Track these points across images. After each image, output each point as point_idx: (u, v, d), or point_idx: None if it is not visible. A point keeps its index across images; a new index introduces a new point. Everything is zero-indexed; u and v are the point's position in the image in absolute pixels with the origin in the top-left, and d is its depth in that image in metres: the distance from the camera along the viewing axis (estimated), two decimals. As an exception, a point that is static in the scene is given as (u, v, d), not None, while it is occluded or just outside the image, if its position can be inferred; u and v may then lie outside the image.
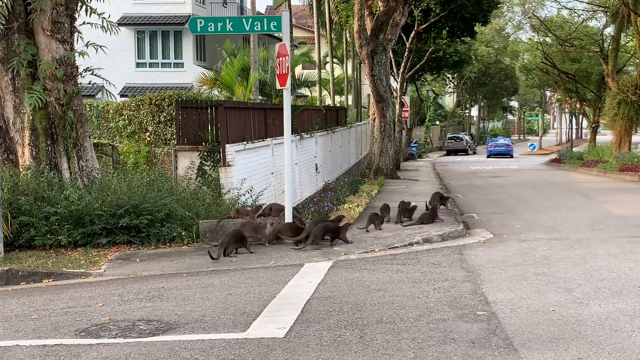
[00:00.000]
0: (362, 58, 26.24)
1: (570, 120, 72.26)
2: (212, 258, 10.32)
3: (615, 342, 6.23)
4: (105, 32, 13.10)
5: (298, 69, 31.29)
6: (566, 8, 47.97)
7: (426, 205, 14.89)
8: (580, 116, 72.57)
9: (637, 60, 39.25)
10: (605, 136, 58.05)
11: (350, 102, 39.07)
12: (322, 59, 33.49)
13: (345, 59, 38.74)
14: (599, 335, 6.42)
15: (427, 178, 28.92)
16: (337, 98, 40.35)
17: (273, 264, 10.08)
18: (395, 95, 36.45)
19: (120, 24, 34.28)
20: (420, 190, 21.89)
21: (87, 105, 14.58)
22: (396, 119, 34.31)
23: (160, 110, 15.84)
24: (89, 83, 13.94)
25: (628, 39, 44.27)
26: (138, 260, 10.51)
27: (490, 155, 54.47)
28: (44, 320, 7.32)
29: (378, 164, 26.81)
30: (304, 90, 35.16)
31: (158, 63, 37.75)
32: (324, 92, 38.05)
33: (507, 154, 54.33)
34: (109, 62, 28.23)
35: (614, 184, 25.94)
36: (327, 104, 32.84)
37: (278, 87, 12.37)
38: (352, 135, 29.13)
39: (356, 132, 30.59)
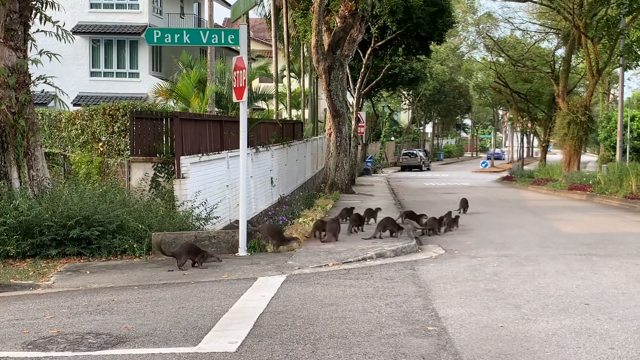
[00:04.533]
0: (319, 73, 26.38)
1: (522, 139, 73.70)
2: (162, 253, 10.72)
3: (562, 358, 6.36)
4: (60, 40, 12.94)
5: (255, 82, 31.32)
6: (519, 29, 48.96)
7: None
8: (532, 135, 74.24)
9: (587, 82, 40.30)
10: (556, 155, 59.33)
11: (307, 117, 39.20)
12: (279, 72, 33.56)
13: (302, 73, 38.89)
14: (546, 351, 6.55)
15: (382, 193, 29.14)
16: (294, 112, 40.42)
17: (226, 278, 10.03)
18: (351, 110, 36.70)
19: (75, 32, 33.89)
20: (374, 205, 22.00)
21: (39, 114, 14.36)
22: (352, 134, 34.52)
23: (114, 120, 15.69)
24: (42, 91, 13.72)
25: (578, 61, 45.49)
26: (88, 272, 10.36)
27: (489, 158, 75.06)
28: (-10, 333, 7.15)
29: (333, 178, 26.92)
30: (261, 104, 35.17)
31: (113, 72, 37.33)
32: (281, 106, 38.12)
33: (499, 158, 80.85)
34: (63, 70, 27.84)
35: (563, 202, 26.53)
36: (283, 117, 32.89)
37: (235, 100, 12.37)
38: (309, 149, 29.21)
39: (312, 147, 30.69)
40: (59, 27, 12.92)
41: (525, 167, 50.86)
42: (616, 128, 35.19)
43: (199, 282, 9.75)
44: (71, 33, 13.60)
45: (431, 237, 15.11)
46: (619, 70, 36.69)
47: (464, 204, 20.46)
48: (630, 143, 37.15)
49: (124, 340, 6.78)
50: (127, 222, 11.63)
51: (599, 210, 22.91)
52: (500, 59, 49.17)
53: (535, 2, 39.77)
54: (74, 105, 31.04)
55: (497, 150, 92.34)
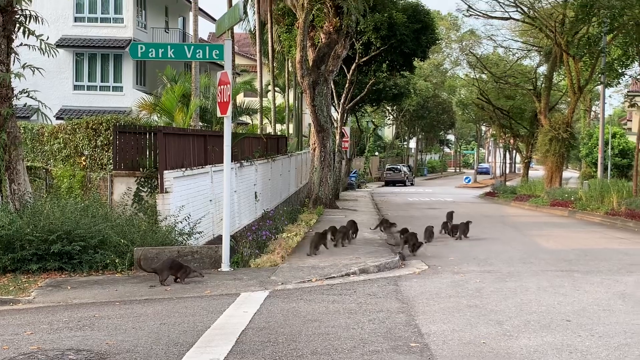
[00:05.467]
0: (304, 88, 26.45)
1: (504, 155, 74.20)
2: (142, 269, 10.69)
3: (543, 374, 6.38)
4: (43, 54, 12.88)
5: (240, 97, 31.31)
6: (502, 47, 49.54)
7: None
8: (514, 151, 74.72)
9: (569, 99, 40.68)
10: (538, 171, 59.73)
11: (291, 131, 39.23)
12: (264, 87, 33.60)
13: (287, 88, 38.96)
14: (528, 367, 6.57)
15: (366, 208, 29.16)
16: (278, 126, 40.45)
17: (209, 293, 9.98)
18: (335, 125, 36.79)
19: (59, 45, 33.76)
20: (358, 220, 21.95)
21: (21, 128, 14.26)
22: (336, 149, 34.59)
23: (97, 134, 15.62)
24: (24, 105, 13.64)
25: (560, 78, 45.95)
26: (69, 287, 10.27)
27: (479, 173, 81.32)
28: (-32, 349, 7.06)
29: (317, 193, 26.92)
30: (245, 118, 35.15)
31: (96, 86, 37.19)
32: (265, 121, 38.13)
33: (487, 172, 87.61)
34: (46, 83, 27.72)
35: (545, 218, 26.67)
36: (268, 132, 32.89)
37: (219, 114, 12.37)
38: (293, 164, 29.21)
39: (296, 161, 30.68)
40: (43, 41, 12.86)
41: (507, 183, 51.14)
42: (597, 145, 35.53)
43: (181, 298, 9.70)
44: (55, 47, 13.52)
45: (416, 252, 15.11)
46: (600, 87, 37.11)
47: (450, 217, 20.71)
48: (612, 160, 37.52)
49: (105, 357, 6.72)
50: (109, 237, 11.56)
51: (581, 226, 23.06)
52: (483, 76, 49.59)
53: (517, 20, 40.18)
54: (57, 118, 30.86)
55: (485, 165, 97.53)
